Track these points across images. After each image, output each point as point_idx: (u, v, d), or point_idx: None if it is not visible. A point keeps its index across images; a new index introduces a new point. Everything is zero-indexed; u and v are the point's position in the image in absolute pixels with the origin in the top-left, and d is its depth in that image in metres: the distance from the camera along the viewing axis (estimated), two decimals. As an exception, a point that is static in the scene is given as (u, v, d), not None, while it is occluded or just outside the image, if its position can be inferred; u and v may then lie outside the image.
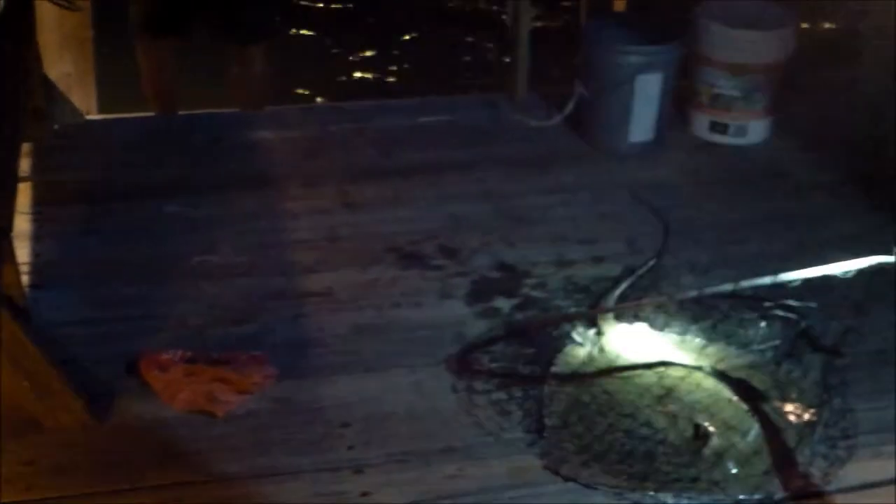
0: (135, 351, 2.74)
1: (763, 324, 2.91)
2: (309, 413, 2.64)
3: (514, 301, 3.07)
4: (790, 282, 2.59)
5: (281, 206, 3.50)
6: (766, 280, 2.62)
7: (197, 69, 4.44)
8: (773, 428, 2.52)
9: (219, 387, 2.65)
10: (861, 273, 2.53)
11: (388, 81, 5.71)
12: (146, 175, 3.61)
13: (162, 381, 2.66)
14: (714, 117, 3.99)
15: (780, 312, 2.92)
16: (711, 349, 2.82)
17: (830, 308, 2.95)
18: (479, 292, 3.11)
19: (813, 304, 2.92)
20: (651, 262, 3.20)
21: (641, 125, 3.86)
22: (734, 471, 2.42)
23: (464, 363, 2.78)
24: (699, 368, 2.71)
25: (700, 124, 4.04)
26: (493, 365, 2.79)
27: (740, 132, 3.98)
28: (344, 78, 5.81)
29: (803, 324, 2.91)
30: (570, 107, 3.94)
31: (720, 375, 2.68)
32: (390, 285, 3.14)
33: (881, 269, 2.57)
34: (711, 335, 2.87)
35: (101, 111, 4.31)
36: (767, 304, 2.94)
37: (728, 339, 2.86)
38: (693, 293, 2.82)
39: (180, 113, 4.17)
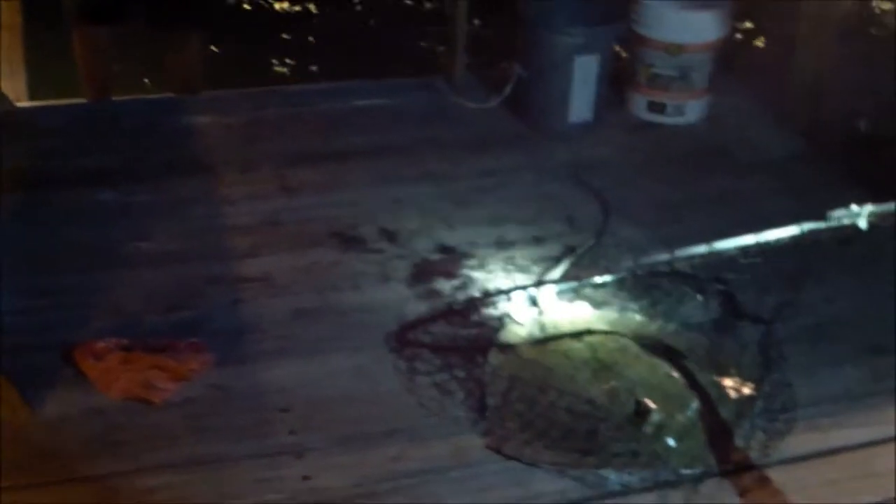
0: (70, 340, 2.69)
1: (699, 297, 2.92)
2: (248, 399, 2.61)
3: (455, 282, 3.06)
4: (725, 251, 2.60)
5: (218, 192, 3.46)
6: (702, 249, 2.64)
7: (132, 55, 4.37)
8: (711, 402, 2.53)
9: (156, 374, 2.61)
10: (796, 246, 2.55)
11: (325, 66, 5.65)
12: (79, 162, 3.55)
13: (98, 370, 2.61)
14: (652, 97, 4.01)
15: (716, 286, 2.94)
16: (651, 325, 2.82)
17: (765, 281, 2.97)
18: (420, 274, 3.10)
19: (747, 277, 2.93)
20: (591, 242, 3.20)
21: (580, 106, 3.87)
22: (674, 445, 2.43)
23: (403, 338, 2.75)
24: (620, 333, 2.71)
25: (638, 104, 4.05)
26: (434, 345, 2.77)
27: (678, 112, 4.00)
28: (281, 63, 5.75)
29: (738, 298, 2.92)
30: (508, 88, 3.94)
31: (640, 341, 2.68)
32: (330, 269, 3.11)
33: (816, 243, 2.60)
34: (651, 312, 2.88)
35: (31, 98, 4.24)
36: (702, 278, 2.95)
37: (667, 315, 2.87)
38: (629, 265, 2.83)
39: (114, 99, 4.10)
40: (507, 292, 2.98)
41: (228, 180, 3.53)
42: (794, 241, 2.55)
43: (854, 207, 2.49)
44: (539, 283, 3.01)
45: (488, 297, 2.98)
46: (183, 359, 2.66)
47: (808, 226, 2.54)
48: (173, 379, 2.62)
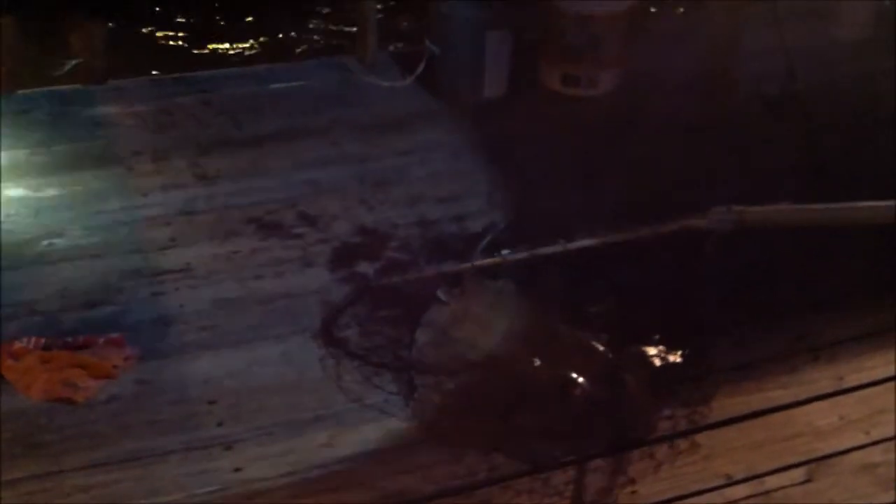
0: (-15, 342, 2.63)
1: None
2: (174, 393, 2.58)
3: (378, 265, 3.04)
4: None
5: (131, 183, 3.39)
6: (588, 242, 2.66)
7: (35, 46, 4.25)
8: (637, 373, 2.56)
9: (76, 373, 2.56)
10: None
11: (236, 51, 5.56)
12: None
13: (16, 371, 2.56)
14: (565, 70, 4.02)
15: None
16: (576, 298, 2.83)
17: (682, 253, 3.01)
18: (342, 258, 3.08)
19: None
20: (510, 219, 3.21)
21: (494, 81, 3.87)
22: (602, 417, 2.45)
23: (329, 334, 2.73)
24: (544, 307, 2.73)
25: (552, 77, 4.06)
26: (360, 328, 2.76)
27: (591, 83, 4.01)
28: (193, 50, 5.64)
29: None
30: (421, 66, 3.92)
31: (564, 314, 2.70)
32: (250, 257, 3.08)
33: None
34: (574, 287, 2.89)
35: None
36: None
37: (590, 291, 2.87)
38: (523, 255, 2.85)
39: (20, 92, 3.98)
40: (429, 271, 2.97)
41: (141, 171, 3.46)
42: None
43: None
44: (462, 261, 3.00)
45: (412, 276, 2.97)
46: (104, 355, 2.62)
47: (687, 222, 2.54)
48: (95, 376, 2.58)
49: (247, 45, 5.50)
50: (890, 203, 2.03)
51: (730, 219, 2.27)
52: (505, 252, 3.02)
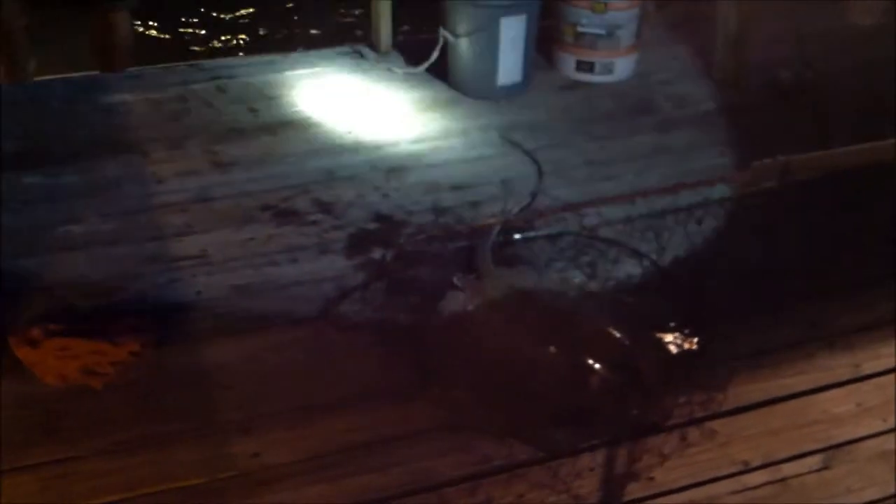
0: (4, 328, 2.63)
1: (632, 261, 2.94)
2: (191, 378, 2.59)
3: (392, 251, 3.04)
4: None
5: (146, 170, 3.40)
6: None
7: (53, 33, 4.27)
8: (653, 358, 2.55)
9: (94, 358, 2.57)
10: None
11: (254, 40, 5.57)
12: (2, 146, 3.45)
13: (34, 357, 2.57)
14: (580, 56, 4.02)
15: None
16: (592, 284, 2.84)
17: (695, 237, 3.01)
18: (357, 245, 3.08)
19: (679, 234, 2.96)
20: (525, 203, 3.21)
21: (508, 68, 3.87)
22: (618, 401, 2.45)
23: (339, 317, 2.73)
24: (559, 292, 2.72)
25: (566, 64, 4.06)
26: (375, 314, 2.76)
27: (606, 70, 4.01)
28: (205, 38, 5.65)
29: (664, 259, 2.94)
30: (435, 53, 3.92)
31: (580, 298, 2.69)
32: (266, 243, 3.08)
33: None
34: (588, 272, 2.89)
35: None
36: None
37: (603, 275, 2.88)
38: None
39: (36, 80, 3.99)
40: (445, 257, 2.98)
41: (157, 158, 3.47)
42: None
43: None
44: (476, 246, 3.00)
45: (427, 262, 2.97)
46: (122, 341, 2.62)
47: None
48: (113, 362, 2.58)
49: (261, 33, 5.52)
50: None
51: (775, 168, 2.19)
52: (518, 237, 3.04)
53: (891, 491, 2.33)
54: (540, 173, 3.40)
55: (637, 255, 2.88)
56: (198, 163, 3.45)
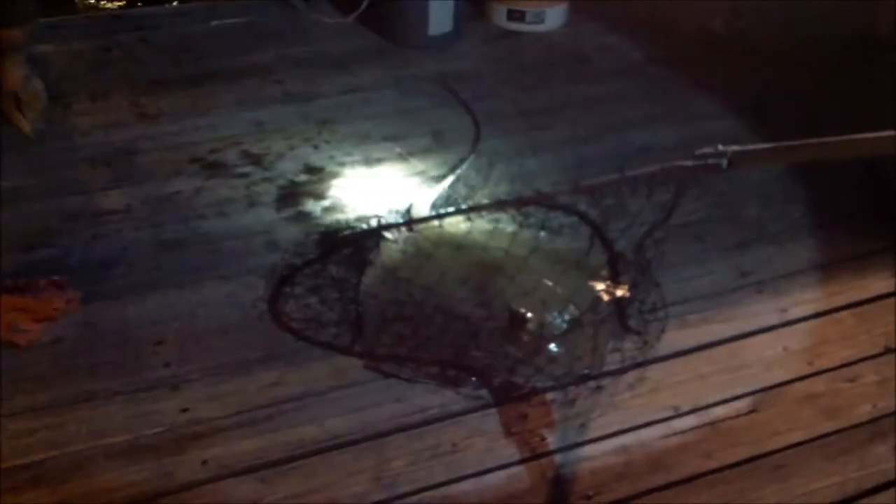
0: (-78, 287, 2.57)
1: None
2: (118, 335, 2.54)
3: (324, 203, 3.02)
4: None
5: (69, 123, 3.32)
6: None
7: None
8: (587, 307, 2.56)
9: (18, 316, 2.52)
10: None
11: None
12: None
13: (-44, 316, 2.51)
14: (511, 5, 3.99)
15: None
16: (522, 235, 2.82)
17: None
18: (287, 197, 3.05)
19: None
20: (468, 159, 3.19)
21: (440, 17, 3.83)
22: (555, 351, 2.45)
23: (276, 309, 2.68)
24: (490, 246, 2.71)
25: (498, 13, 4.03)
26: (307, 271, 2.73)
27: (537, 19, 4.00)
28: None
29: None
30: (365, 3, 3.87)
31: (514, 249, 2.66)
32: (194, 197, 3.04)
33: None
34: (522, 222, 2.88)
35: None
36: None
37: (540, 227, 2.86)
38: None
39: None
40: (379, 221, 2.94)
41: (79, 110, 3.39)
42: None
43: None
44: (411, 201, 2.98)
45: (359, 217, 2.94)
46: (46, 298, 2.57)
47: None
48: (37, 319, 2.53)
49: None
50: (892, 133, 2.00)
51: (720, 160, 2.20)
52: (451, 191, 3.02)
53: (817, 433, 2.37)
54: (476, 124, 3.38)
55: (574, 212, 2.86)
56: (122, 115, 3.38)
